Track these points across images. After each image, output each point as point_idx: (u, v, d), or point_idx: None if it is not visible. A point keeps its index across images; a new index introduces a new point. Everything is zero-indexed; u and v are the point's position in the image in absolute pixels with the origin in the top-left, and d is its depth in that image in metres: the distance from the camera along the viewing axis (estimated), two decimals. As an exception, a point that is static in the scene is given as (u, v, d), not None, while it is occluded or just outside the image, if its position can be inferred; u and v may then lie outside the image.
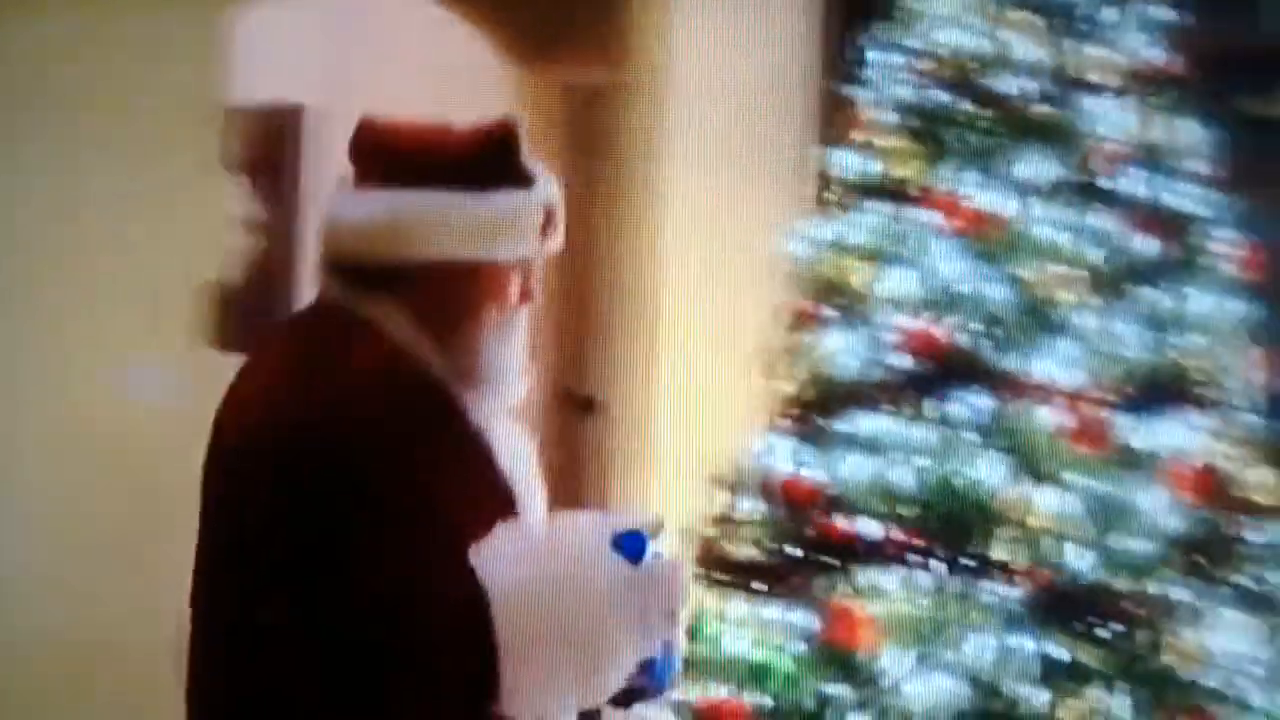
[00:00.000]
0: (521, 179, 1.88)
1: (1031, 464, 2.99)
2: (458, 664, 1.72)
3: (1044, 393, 3.05)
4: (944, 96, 3.39)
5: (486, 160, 1.87)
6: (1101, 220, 3.26)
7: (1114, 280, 3.19)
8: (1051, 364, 3.08)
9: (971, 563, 2.92)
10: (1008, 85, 3.36)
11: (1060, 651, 2.84)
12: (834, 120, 3.65)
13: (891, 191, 3.39)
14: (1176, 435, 3.04)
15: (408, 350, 1.84)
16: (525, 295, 1.92)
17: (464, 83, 5.64)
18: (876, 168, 3.43)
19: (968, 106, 3.36)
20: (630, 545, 1.80)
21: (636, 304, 4.44)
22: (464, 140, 1.88)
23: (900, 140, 3.40)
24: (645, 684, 1.85)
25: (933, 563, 2.96)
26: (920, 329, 3.18)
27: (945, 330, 3.16)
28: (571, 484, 4.92)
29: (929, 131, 3.38)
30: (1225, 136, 3.48)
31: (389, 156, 1.88)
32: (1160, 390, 3.09)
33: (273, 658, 1.72)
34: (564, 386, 5.38)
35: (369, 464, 1.73)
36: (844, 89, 3.62)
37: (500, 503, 1.85)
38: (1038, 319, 3.14)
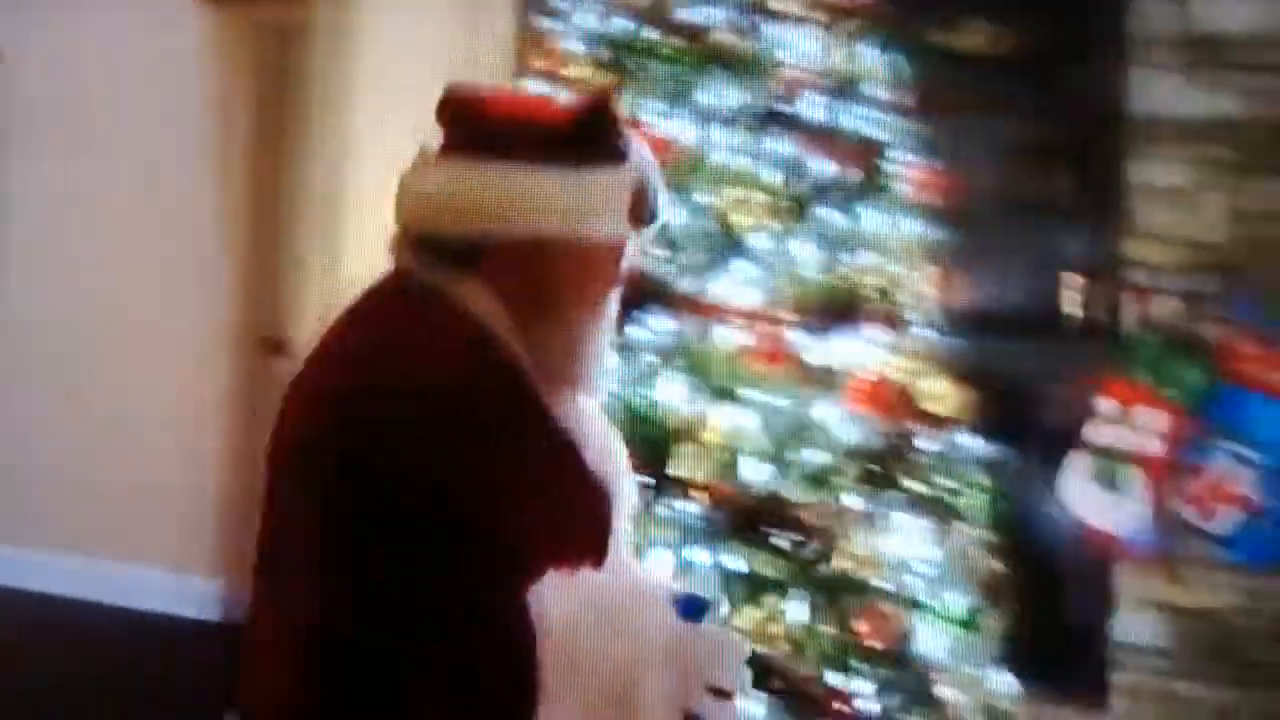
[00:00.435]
0: (615, 155, 1.79)
1: (711, 383, 3.05)
2: (496, 695, 1.62)
3: (725, 313, 3.12)
4: (631, 25, 3.43)
5: (580, 135, 1.78)
6: (785, 145, 3.35)
7: (796, 203, 3.27)
8: (733, 285, 3.15)
9: (651, 481, 2.97)
10: (694, 14, 3.41)
11: (738, 562, 2.91)
12: (526, 52, 3.66)
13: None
14: (855, 351, 3.12)
15: (495, 335, 1.74)
16: (614, 279, 1.82)
17: (154, 21, 5.51)
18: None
19: (654, 35, 3.40)
20: (687, 607, 1.72)
21: (325, 242, 4.41)
22: (556, 113, 1.80)
23: (588, 70, 3.43)
24: None
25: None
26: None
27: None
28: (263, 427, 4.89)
29: (616, 60, 3.41)
30: (911, 65, 3.58)
31: (477, 127, 1.78)
32: (839, 308, 3.17)
33: (320, 645, 1.62)
34: (257, 330, 5.29)
35: (448, 463, 1.63)
36: (536, 20, 3.63)
37: (589, 501, 1.78)
38: (720, 242, 3.20)
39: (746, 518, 2.93)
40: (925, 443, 3.14)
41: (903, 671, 2.95)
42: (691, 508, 2.94)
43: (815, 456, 2.99)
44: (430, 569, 1.60)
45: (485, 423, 1.66)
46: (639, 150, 1.81)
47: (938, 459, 3.14)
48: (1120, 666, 3.88)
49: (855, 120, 3.40)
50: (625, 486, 1.85)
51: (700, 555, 2.89)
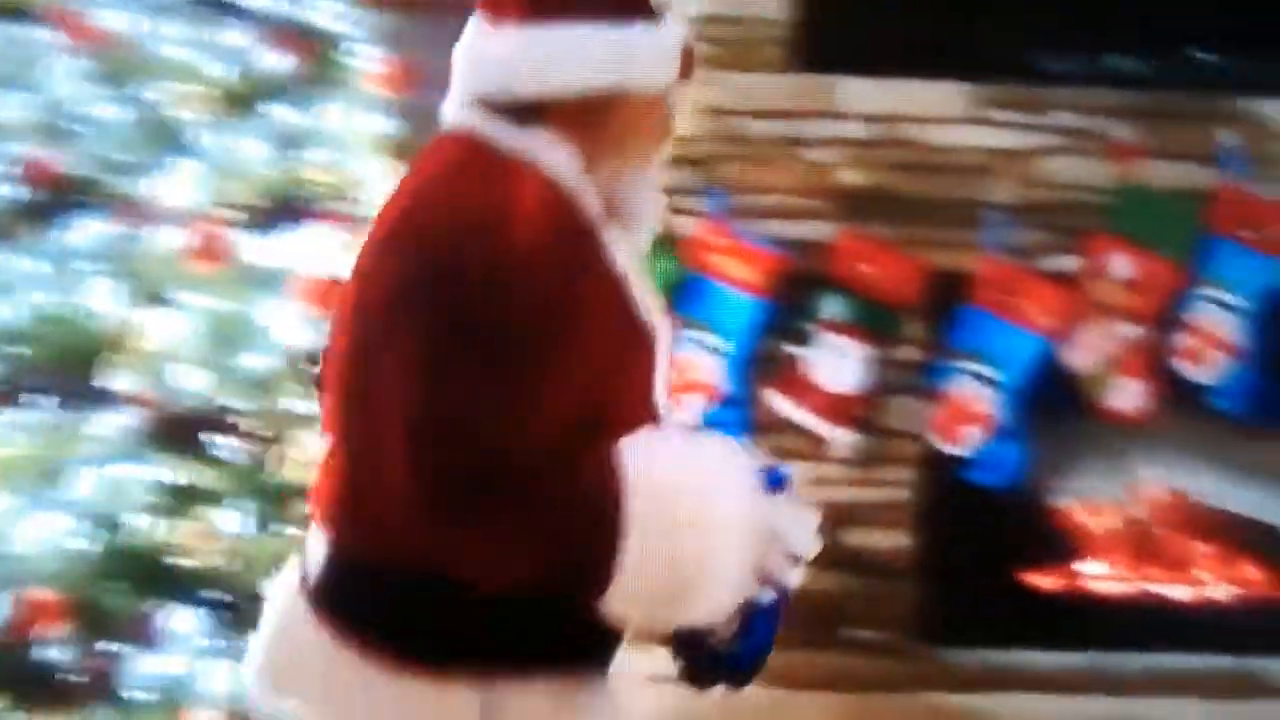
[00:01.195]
0: (652, 14, 1.91)
1: (150, 288, 2.91)
2: (585, 530, 1.72)
3: (166, 215, 2.97)
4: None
5: None
6: (233, 37, 3.20)
7: (244, 98, 3.14)
8: (175, 185, 3.00)
9: (86, 395, 2.82)
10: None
11: (174, 475, 2.80)
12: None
13: (13, 10, 3.19)
14: (303, 250, 3.02)
15: (566, 188, 1.84)
16: (667, 129, 1.94)
17: None
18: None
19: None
20: (772, 478, 1.82)
21: None
22: None
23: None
24: (736, 650, 1.83)
25: (45, 399, 2.84)
26: (36, 156, 3.01)
27: (63, 156, 3.01)
28: None
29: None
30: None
31: None
32: (287, 206, 3.06)
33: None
34: None
35: (546, 311, 1.73)
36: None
37: (641, 341, 1.88)
38: (162, 140, 3.04)
39: (182, 428, 2.82)
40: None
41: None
42: (127, 421, 2.82)
43: (258, 361, 2.90)
44: (526, 391, 1.71)
45: (571, 259, 1.79)
46: (674, 5, 1.95)
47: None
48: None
49: (309, 12, 3.29)
50: (666, 333, 1.95)
51: (135, 470, 2.77)
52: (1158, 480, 4.26)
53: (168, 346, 2.83)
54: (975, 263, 3.87)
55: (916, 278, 3.88)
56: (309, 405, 2.92)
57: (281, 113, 3.13)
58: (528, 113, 1.85)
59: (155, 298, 2.88)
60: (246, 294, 2.91)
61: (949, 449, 3.82)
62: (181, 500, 2.78)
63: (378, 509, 1.75)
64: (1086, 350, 3.93)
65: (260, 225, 2.99)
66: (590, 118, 1.87)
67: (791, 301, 3.74)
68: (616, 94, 1.87)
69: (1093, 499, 4.23)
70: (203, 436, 2.84)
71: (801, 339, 3.73)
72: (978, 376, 3.85)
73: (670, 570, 1.74)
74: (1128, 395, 3.94)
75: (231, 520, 2.79)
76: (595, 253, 1.84)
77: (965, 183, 3.99)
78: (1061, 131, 4.03)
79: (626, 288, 1.87)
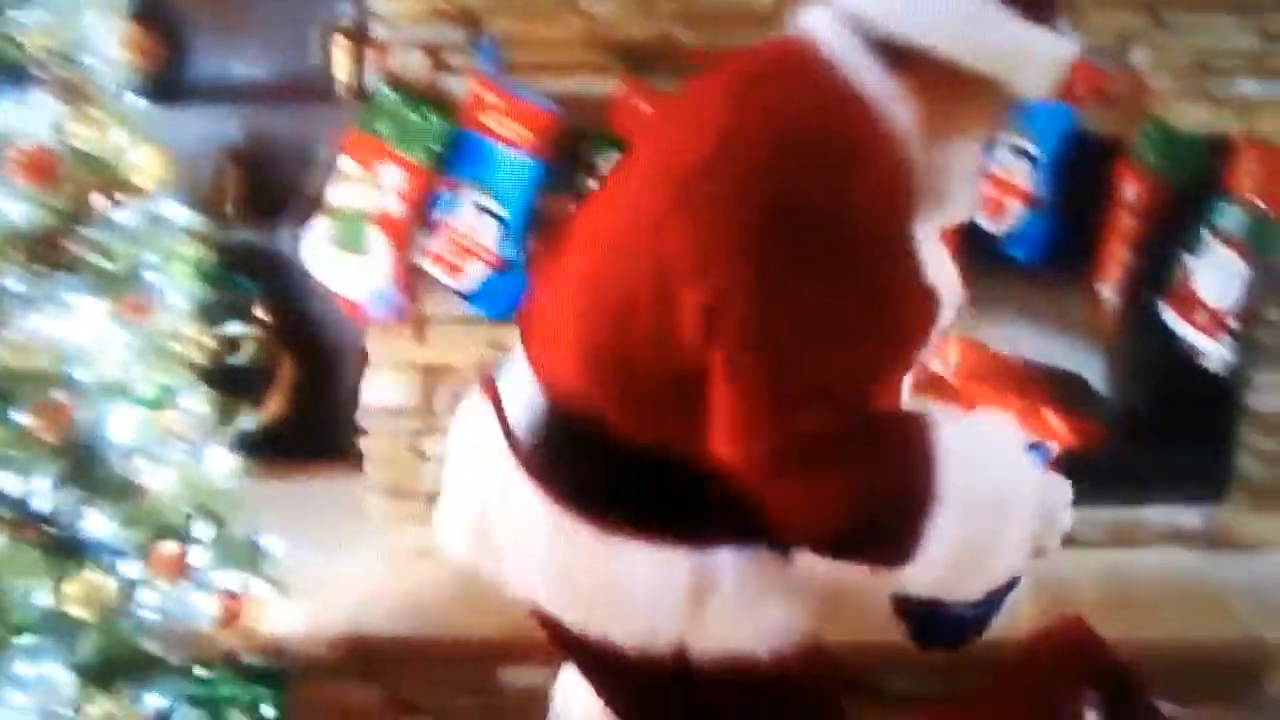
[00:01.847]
0: (1053, 24, 1.90)
1: None
2: (903, 488, 1.75)
3: None
4: None
5: None
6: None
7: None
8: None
9: None
10: None
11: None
12: None
13: None
14: (19, 118, 2.81)
15: (902, 144, 1.85)
16: (993, 131, 1.93)
17: None
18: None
19: None
20: (1041, 455, 1.91)
21: None
22: None
23: None
24: (967, 614, 1.90)
25: None
26: None
27: None
28: None
29: None
30: None
31: None
32: (3, 71, 2.85)
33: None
34: None
35: (871, 255, 1.78)
36: None
37: (930, 319, 1.98)
38: None
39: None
40: (117, 215, 2.89)
41: (90, 463, 2.76)
42: None
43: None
44: (860, 343, 1.77)
45: (901, 220, 1.84)
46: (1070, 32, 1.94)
47: (132, 232, 2.90)
48: (371, 430, 3.84)
49: None
50: (950, 305, 2.04)
51: None
52: (956, 332, 4.22)
53: None
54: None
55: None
56: (31, 285, 2.77)
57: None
58: (892, 54, 1.84)
59: None
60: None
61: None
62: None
63: (684, 417, 1.80)
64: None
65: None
66: (942, 89, 1.86)
67: (568, 160, 3.59)
68: (982, 79, 1.86)
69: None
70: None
71: (580, 196, 3.60)
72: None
73: (968, 547, 1.78)
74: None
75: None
76: (911, 217, 1.87)
77: (752, 33, 3.83)
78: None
79: (923, 258, 1.91)
